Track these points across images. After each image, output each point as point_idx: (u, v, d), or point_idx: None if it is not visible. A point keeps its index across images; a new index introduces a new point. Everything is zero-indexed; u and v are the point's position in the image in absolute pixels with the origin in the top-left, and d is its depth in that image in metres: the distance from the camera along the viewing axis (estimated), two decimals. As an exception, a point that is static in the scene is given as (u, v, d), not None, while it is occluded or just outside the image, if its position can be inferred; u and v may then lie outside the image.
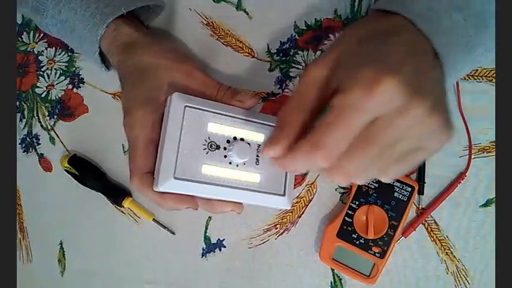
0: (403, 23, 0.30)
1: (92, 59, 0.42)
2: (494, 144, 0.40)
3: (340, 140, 0.26)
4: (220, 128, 0.36)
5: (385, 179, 0.29)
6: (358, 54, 0.28)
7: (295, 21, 0.44)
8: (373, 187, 0.41)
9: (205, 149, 0.35)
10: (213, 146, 0.36)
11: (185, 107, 0.35)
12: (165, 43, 0.43)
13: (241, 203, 0.37)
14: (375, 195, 0.40)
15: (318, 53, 0.43)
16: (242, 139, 0.36)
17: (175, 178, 0.34)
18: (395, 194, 0.40)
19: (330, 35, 0.43)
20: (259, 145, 0.37)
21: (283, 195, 0.37)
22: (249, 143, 0.36)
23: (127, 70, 0.39)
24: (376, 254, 0.40)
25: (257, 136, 0.37)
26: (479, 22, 0.32)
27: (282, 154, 0.29)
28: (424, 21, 0.29)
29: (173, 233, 0.46)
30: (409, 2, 0.31)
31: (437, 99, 0.27)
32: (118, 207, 0.47)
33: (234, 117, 0.36)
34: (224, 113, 0.36)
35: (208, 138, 0.35)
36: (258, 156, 0.36)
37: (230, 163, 0.36)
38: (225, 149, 0.36)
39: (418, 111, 0.26)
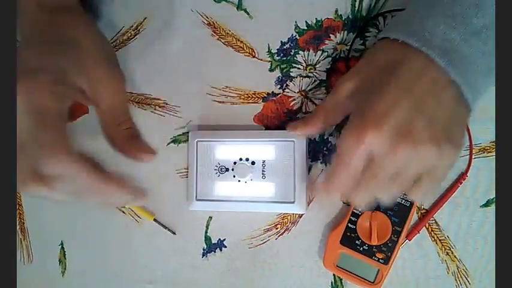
0: (416, 56, 0.31)
1: None
2: (494, 144, 0.40)
3: (345, 177, 0.33)
4: (228, 152, 0.43)
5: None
6: (368, 88, 0.33)
7: (295, 21, 0.44)
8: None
9: (217, 172, 0.43)
10: (223, 169, 0.43)
11: (197, 141, 0.43)
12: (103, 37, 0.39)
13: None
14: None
15: (319, 53, 0.43)
16: (247, 159, 0.42)
17: (197, 200, 0.43)
18: (398, 199, 0.40)
19: (331, 34, 0.43)
20: (264, 161, 0.42)
21: (293, 202, 0.42)
22: (253, 162, 0.42)
23: (48, 29, 0.35)
24: (380, 260, 0.40)
25: (264, 152, 0.42)
26: None
27: (308, 133, 0.40)
28: (441, 54, 0.31)
29: (174, 233, 0.46)
30: (426, 34, 0.31)
31: (434, 127, 0.31)
32: (118, 207, 0.47)
33: (240, 141, 0.43)
34: (231, 139, 0.43)
35: (219, 163, 0.43)
36: (264, 171, 0.42)
37: (239, 181, 0.42)
38: (232, 170, 0.42)
39: (405, 151, 0.30)
